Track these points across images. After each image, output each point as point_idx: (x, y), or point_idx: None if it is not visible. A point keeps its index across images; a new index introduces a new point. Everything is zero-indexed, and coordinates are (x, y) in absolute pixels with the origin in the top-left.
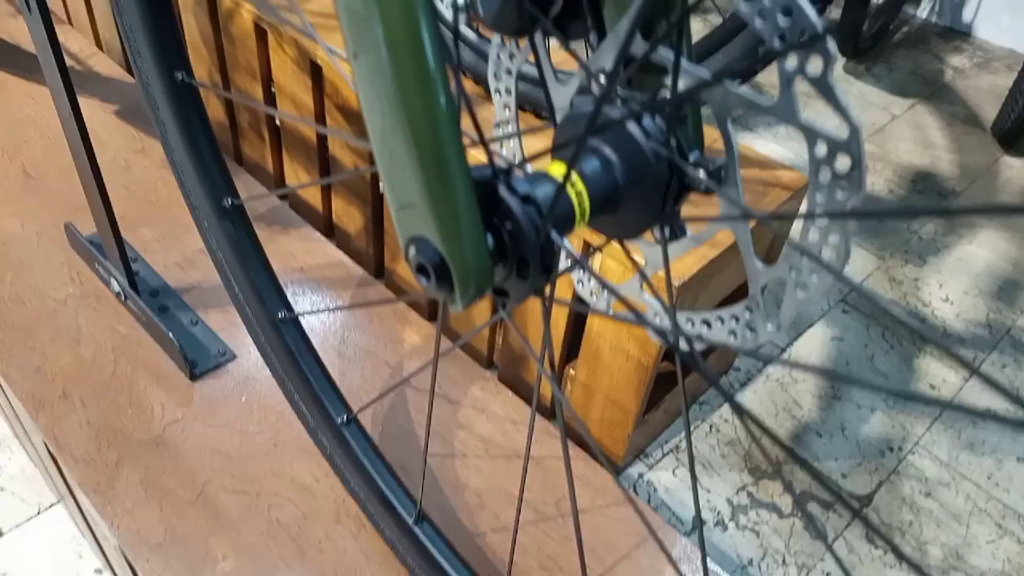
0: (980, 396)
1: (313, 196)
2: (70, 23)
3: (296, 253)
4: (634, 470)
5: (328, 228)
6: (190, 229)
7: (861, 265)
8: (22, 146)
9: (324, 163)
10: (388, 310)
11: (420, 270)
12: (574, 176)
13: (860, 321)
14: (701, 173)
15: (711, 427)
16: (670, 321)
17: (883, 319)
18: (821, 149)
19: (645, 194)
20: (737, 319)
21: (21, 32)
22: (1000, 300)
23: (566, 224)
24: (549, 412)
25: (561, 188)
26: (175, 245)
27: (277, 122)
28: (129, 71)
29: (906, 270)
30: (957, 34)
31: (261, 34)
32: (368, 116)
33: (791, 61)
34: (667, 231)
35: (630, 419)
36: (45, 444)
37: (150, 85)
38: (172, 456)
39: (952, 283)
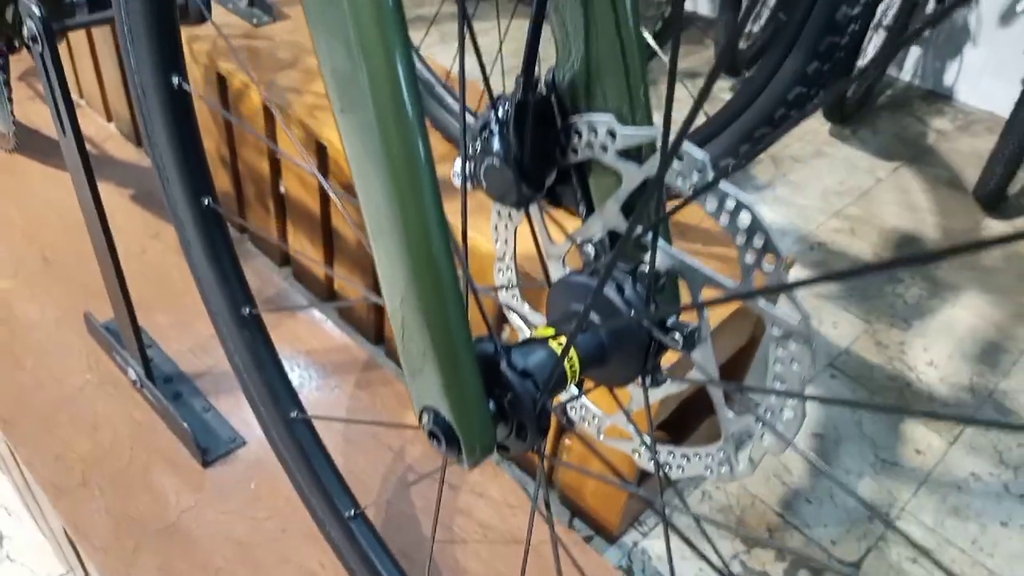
0: (964, 460)
1: (315, 267)
2: (80, 96)
3: (301, 336)
4: (629, 538)
5: (330, 294)
6: (202, 315)
7: (848, 329)
8: (41, 230)
9: (327, 233)
10: (391, 392)
11: (432, 435)
12: (564, 343)
13: (847, 386)
14: (676, 335)
15: (703, 493)
16: (652, 454)
17: (870, 384)
18: (776, 331)
19: (628, 353)
20: (713, 457)
21: (40, 116)
22: (983, 363)
23: (559, 386)
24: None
25: (559, 362)
26: (188, 330)
27: (282, 192)
28: (138, 143)
29: (892, 334)
30: (939, 97)
31: (269, 115)
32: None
33: (748, 257)
34: (648, 379)
35: (624, 491)
36: (64, 530)
37: (178, 208)
38: (186, 543)
39: (937, 347)
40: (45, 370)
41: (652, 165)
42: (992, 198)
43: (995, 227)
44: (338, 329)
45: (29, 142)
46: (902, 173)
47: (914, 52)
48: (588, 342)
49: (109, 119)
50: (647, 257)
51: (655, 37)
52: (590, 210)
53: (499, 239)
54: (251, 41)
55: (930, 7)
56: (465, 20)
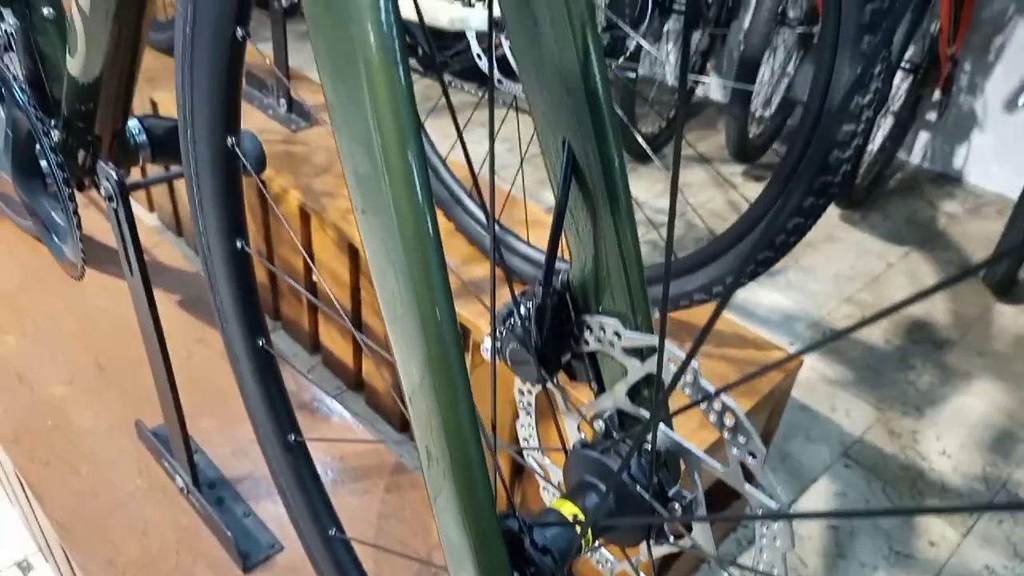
0: (978, 553)
1: (344, 355)
2: None
3: (334, 438)
4: None
5: (358, 382)
6: (244, 419)
7: (861, 418)
8: (96, 337)
9: (357, 325)
10: (419, 496)
11: None
12: (579, 514)
13: (862, 476)
14: (676, 505)
15: None
16: None
17: (884, 474)
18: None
19: (635, 523)
20: None
21: (95, 224)
22: (996, 453)
23: (575, 557)
24: None
25: (576, 541)
26: (230, 434)
27: (315, 282)
28: (179, 233)
29: (904, 422)
30: (949, 179)
31: (305, 216)
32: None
33: (733, 450)
34: (653, 540)
35: None
36: None
37: (234, 346)
38: None
39: (949, 435)
40: (99, 476)
41: (652, 363)
42: (1002, 283)
43: (1007, 312)
44: (368, 431)
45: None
46: (912, 258)
47: (923, 136)
48: (597, 509)
49: (151, 209)
50: (648, 439)
51: (667, 123)
52: (601, 388)
53: (522, 402)
54: (289, 146)
55: (936, 95)
56: (492, 170)
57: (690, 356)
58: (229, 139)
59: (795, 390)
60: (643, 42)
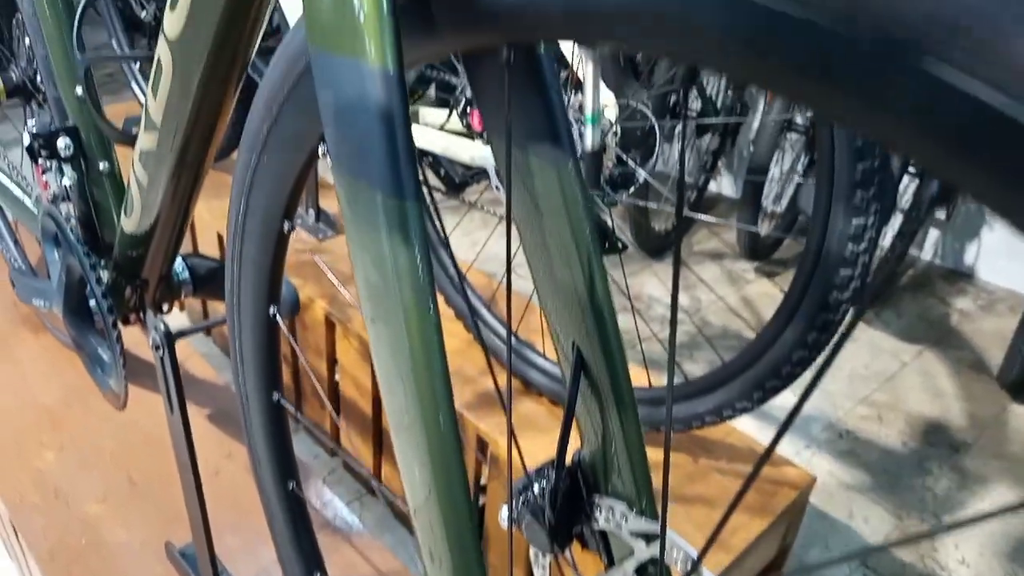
0: None
1: (365, 458)
2: None
3: (356, 562)
4: None
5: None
6: (268, 538)
7: (879, 525)
8: (128, 452)
9: (378, 431)
10: None
11: None
12: None
13: None
14: None
15: None
16: None
17: None
18: None
19: None
20: None
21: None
22: (1016, 561)
23: None
24: None
25: None
26: (254, 554)
27: (339, 390)
28: (207, 333)
29: (923, 529)
30: (960, 276)
31: (330, 325)
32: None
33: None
34: None
35: None
36: None
37: (265, 486)
38: None
39: (968, 544)
40: None
41: (656, 547)
42: (1016, 385)
43: (1020, 413)
44: (390, 554)
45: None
46: (926, 356)
47: (933, 232)
48: None
49: (182, 308)
50: None
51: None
52: (611, 562)
53: (536, 565)
54: (317, 255)
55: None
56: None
57: (698, 561)
58: (271, 308)
59: (812, 495)
60: (651, 180)
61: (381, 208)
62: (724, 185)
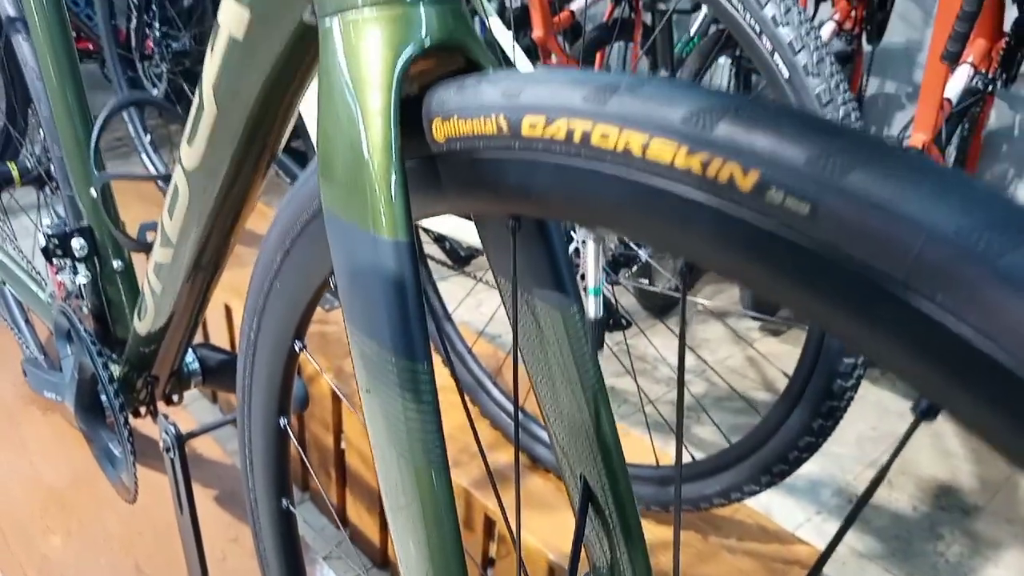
0: None
1: (371, 532)
2: None
3: None
4: None
5: (383, 560)
6: None
7: None
8: (136, 537)
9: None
10: None
11: None
12: None
13: None
14: None
15: None
16: None
17: None
18: None
19: None
20: None
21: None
22: None
23: None
24: None
25: None
26: None
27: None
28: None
29: None
30: None
31: (336, 399)
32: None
33: None
34: None
35: None
36: None
37: None
38: None
39: None
40: None
41: None
42: None
43: None
44: None
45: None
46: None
47: None
48: None
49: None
50: None
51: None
52: None
53: None
54: (323, 326)
55: None
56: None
57: None
58: (281, 419)
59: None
60: (653, 262)
61: (393, 369)
62: None
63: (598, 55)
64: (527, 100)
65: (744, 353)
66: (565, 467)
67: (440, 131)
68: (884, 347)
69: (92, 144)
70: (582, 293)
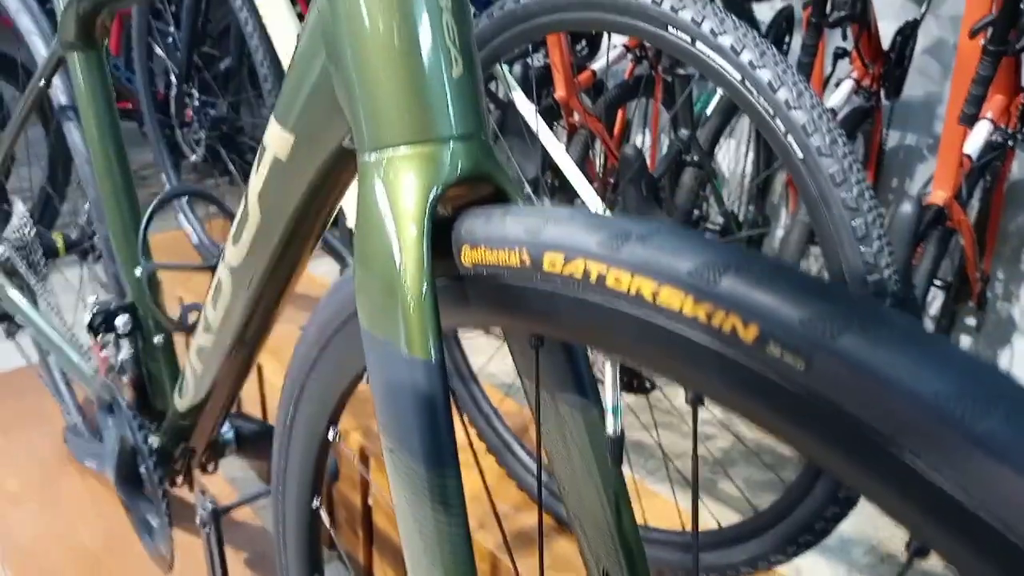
0: None
1: None
2: None
3: None
4: None
5: None
6: None
7: None
8: None
9: None
10: None
11: None
12: None
13: None
14: None
15: None
16: None
17: None
18: None
19: None
20: None
21: None
22: None
23: None
24: None
25: None
26: None
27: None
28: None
29: None
30: None
31: (364, 457)
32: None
33: None
34: None
35: None
36: None
37: None
38: None
39: None
40: None
41: None
42: None
43: None
44: None
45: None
46: None
47: (965, 339)
48: None
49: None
50: None
51: None
52: None
53: None
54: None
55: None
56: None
57: None
58: (314, 501)
59: None
60: None
61: (424, 479)
62: None
63: (619, 112)
64: (548, 238)
65: None
66: (589, 556)
67: (468, 257)
68: (874, 490)
69: (140, 235)
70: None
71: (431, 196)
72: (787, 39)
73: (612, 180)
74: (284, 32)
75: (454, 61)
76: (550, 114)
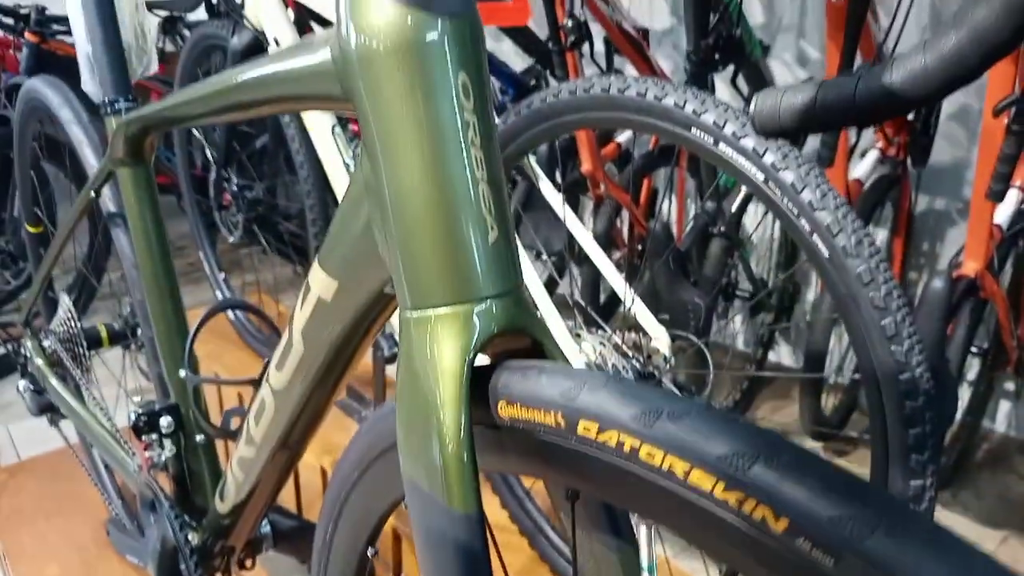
0: None
1: None
2: None
3: None
4: None
5: None
6: None
7: None
8: None
9: None
10: None
11: None
12: None
13: None
14: None
15: None
16: None
17: None
18: None
19: None
20: None
21: None
22: None
23: None
24: None
25: None
26: None
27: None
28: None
29: None
30: None
31: (396, 537)
32: None
33: None
34: None
35: None
36: None
37: None
38: None
39: None
40: None
41: None
42: None
43: None
44: None
45: None
46: (1011, 544)
47: (1004, 404)
48: None
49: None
50: None
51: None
52: None
53: None
54: None
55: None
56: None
57: None
58: None
59: None
60: (704, 348)
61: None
62: (783, 355)
63: (645, 181)
64: (582, 405)
65: None
66: None
67: (505, 411)
68: None
69: (187, 348)
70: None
71: (470, 353)
72: None
73: (640, 247)
74: (318, 117)
75: (490, 227)
76: (577, 186)
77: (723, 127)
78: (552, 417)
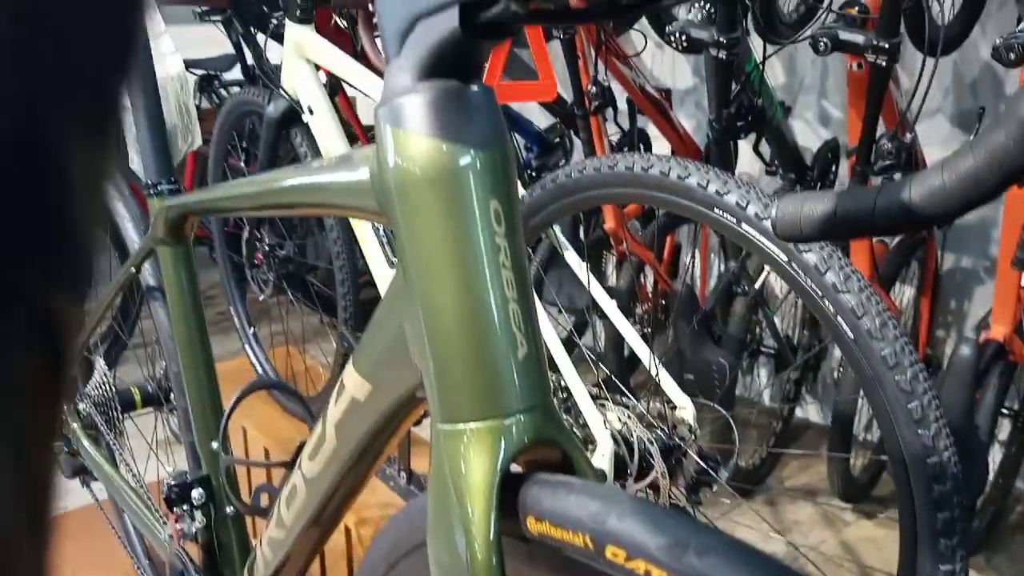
0: None
1: None
2: None
3: None
4: None
5: None
6: None
7: None
8: None
9: None
10: None
11: None
12: None
13: None
14: None
15: None
16: None
17: None
18: None
19: None
20: None
21: None
22: None
23: None
24: None
25: None
26: None
27: None
28: None
29: None
30: None
31: None
32: None
33: None
34: None
35: None
36: None
37: None
38: None
39: None
40: None
41: None
42: None
43: None
44: None
45: None
46: None
47: None
48: None
49: None
50: None
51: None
52: None
53: None
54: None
55: None
56: None
57: None
58: None
59: None
60: (727, 415)
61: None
62: (811, 412)
63: (668, 238)
64: (611, 530)
65: (838, 537)
66: None
67: (534, 526)
68: None
69: (221, 429)
70: None
71: (499, 466)
72: (833, 169)
73: (663, 302)
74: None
75: (520, 344)
76: (600, 243)
77: (746, 207)
78: (580, 538)
